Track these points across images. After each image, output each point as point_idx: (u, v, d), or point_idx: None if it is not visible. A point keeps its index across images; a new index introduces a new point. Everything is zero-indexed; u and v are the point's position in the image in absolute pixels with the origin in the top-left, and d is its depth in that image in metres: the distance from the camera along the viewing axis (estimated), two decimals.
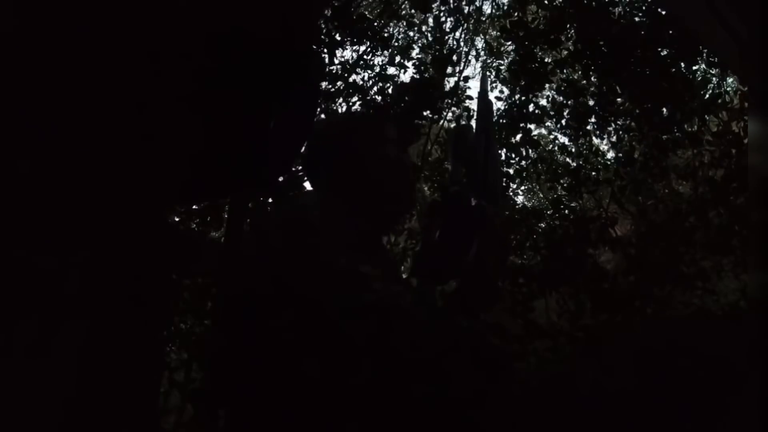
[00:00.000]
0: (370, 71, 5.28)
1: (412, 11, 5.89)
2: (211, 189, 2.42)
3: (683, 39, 4.54)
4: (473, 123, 1.32)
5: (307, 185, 4.62)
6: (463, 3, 5.88)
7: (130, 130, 1.32)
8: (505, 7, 6.03)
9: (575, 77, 5.48)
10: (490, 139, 1.26)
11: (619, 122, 5.35)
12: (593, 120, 5.23)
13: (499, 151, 4.93)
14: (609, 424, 0.89)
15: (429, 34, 6.08)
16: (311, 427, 0.96)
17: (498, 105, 5.83)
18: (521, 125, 5.08)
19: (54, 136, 1.26)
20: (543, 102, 5.71)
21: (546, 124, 6.31)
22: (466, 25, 6.02)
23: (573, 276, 4.49)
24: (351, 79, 4.92)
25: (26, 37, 1.25)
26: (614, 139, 5.62)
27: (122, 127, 1.32)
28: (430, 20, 6.01)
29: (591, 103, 5.17)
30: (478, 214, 1.15)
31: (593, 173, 5.32)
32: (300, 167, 4.67)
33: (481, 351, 1.05)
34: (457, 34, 5.99)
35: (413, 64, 5.38)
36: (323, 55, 4.32)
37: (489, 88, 1.49)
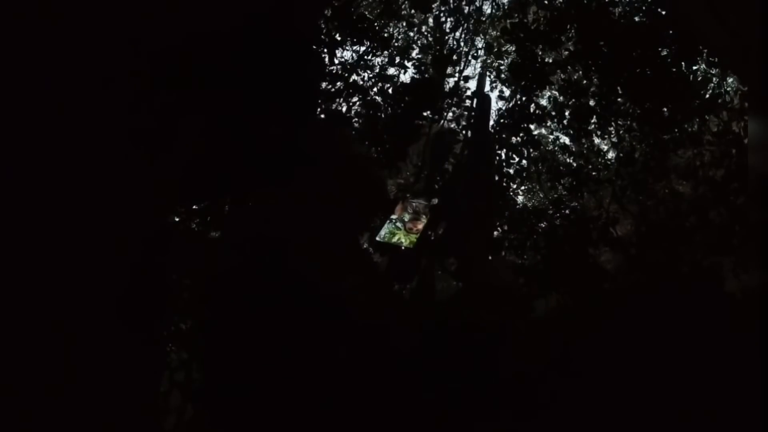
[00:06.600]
0: (370, 71, 5.28)
1: (412, 11, 5.89)
2: (211, 189, 2.41)
3: (683, 39, 4.53)
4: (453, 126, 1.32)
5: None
6: (463, 3, 5.88)
7: (126, 130, 1.32)
8: (506, 8, 6.03)
9: (576, 77, 5.48)
10: (487, 138, 1.26)
11: (619, 122, 5.35)
12: (594, 120, 5.23)
13: (496, 150, 4.93)
14: None
15: (429, 35, 6.07)
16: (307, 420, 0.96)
17: (499, 105, 5.83)
18: (522, 125, 5.08)
19: (51, 136, 1.26)
20: (544, 102, 5.71)
21: (547, 125, 6.31)
22: (466, 25, 6.01)
23: (573, 276, 4.48)
24: (351, 80, 4.92)
25: (26, 38, 1.25)
26: (615, 139, 5.62)
27: (119, 127, 1.32)
28: (430, 20, 6.01)
29: (592, 103, 5.17)
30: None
31: (594, 173, 5.32)
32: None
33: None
34: (457, 34, 5.98)
35: (413, 65, 5.38)
36: (323, 55, 4.32)
37: (488, 87, 1.49)
